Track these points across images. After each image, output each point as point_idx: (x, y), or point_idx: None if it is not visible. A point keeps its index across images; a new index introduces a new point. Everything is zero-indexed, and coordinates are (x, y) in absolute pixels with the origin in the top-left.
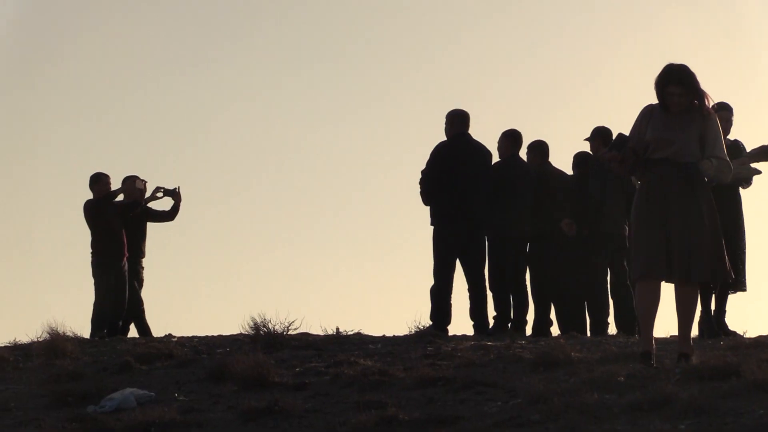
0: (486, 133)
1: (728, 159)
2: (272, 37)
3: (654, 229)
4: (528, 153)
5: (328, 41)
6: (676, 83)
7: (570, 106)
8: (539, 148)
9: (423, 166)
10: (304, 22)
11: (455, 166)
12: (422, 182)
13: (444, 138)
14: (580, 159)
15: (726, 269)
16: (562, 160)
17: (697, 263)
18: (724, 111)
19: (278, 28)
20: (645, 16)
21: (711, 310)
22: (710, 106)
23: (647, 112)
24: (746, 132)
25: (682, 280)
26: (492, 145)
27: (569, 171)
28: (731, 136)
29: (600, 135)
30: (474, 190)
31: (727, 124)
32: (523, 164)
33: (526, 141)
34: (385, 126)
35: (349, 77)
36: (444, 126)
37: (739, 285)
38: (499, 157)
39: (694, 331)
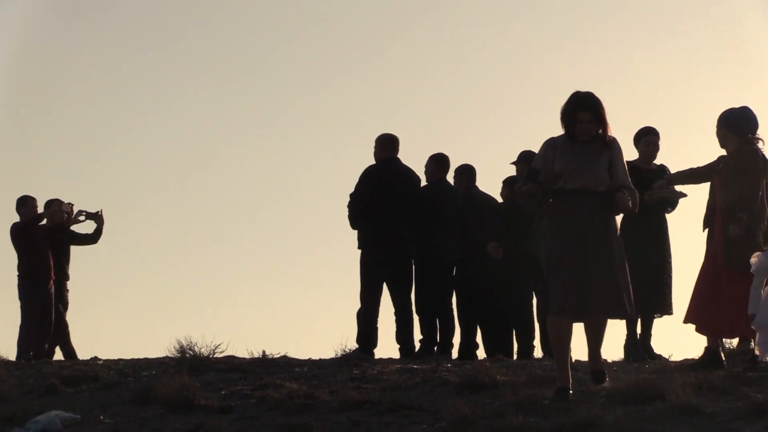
0: (414, 157)
1: (634, 187)
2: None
3: (569, 264)
4: (455, 177)
5: (252, 59)
6: (585, 109)
7: (497, 130)
8: (466, 173)
9: (351, 189)
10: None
11: (384, 189)
12: (350, 205)
13: (373, 161)
14: (508, 183)
15: (633, 304)
16: (488, 184)
17: (615, 301)
18: (652, 135)
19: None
20: (570, 41)
21: (636, 334)
22: (611, 135)
23: (550, 145)
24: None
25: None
26: (419, 168)
27: (496, 195)
28: (657, 161)
29: (526, 159)
30: (402, 214)
31: (654, 149)
32: (450, 188)
33: (454, 165)
34: (314, 148)
35: (282, 99)
36: (373, 149)
37: (665, 309)
38: (426, 181)
39: (620, 354)
